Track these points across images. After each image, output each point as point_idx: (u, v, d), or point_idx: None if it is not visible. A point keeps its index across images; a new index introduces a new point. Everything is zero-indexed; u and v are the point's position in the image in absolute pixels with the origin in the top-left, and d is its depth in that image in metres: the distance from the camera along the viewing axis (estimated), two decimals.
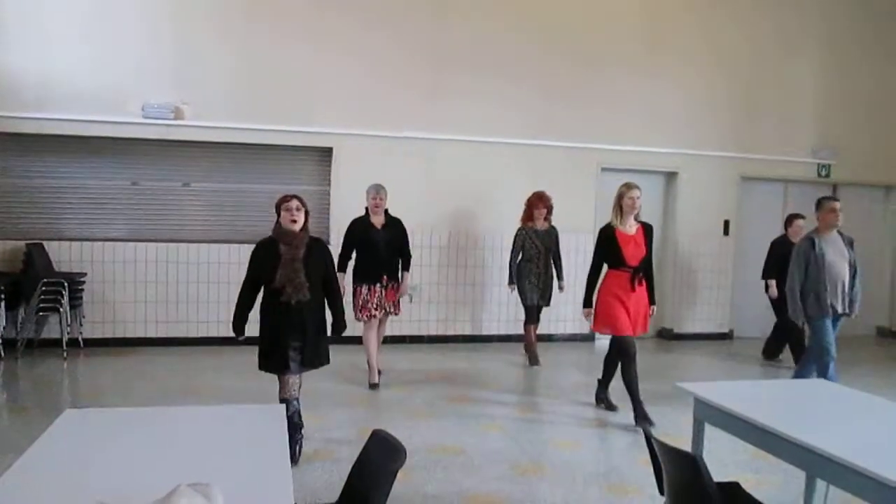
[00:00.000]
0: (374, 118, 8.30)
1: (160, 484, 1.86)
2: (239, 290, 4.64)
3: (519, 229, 7.52)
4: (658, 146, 9.19)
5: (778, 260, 7.53)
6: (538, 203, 7.45)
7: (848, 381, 5.72)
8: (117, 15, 7.84)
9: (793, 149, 9.74)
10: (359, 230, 6.42)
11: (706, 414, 3.38)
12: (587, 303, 5.61)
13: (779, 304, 7.75)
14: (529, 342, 7.73)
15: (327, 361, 4.67)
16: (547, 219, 7.54)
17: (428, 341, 8.69)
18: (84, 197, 8.02)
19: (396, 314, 6.56)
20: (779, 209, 9.78)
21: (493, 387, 6.80)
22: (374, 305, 6.39)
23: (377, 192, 6.44)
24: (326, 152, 8.33)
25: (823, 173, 9.90)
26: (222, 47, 8.01)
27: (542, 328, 8.89)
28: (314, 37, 8.17)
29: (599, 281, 5.67)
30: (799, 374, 6.20)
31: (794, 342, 7.62)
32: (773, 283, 7.88)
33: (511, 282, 7.51)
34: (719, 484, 2.47)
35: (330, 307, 4.65)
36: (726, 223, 9.51)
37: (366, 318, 6.43)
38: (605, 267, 5.73)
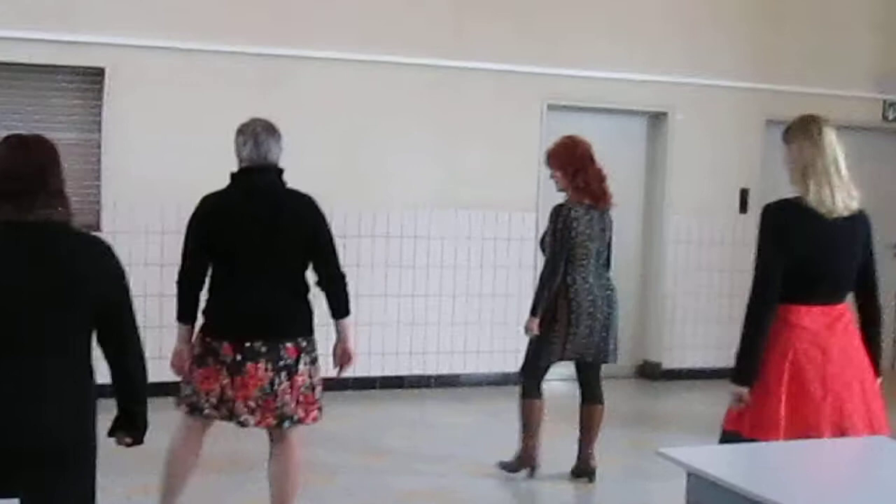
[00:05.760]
0: (176, 20, 6.49)
1: None
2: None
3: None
4: (637, 72, 7.50)
5: None
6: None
7: None
8: None
9: (846, 78, 8.07)
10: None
11: (706, 495, 2.68)
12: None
13: None
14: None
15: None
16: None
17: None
18: None
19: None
20: None
21: None
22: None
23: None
24: (95, 75, 6.37)
25: (892, 115, 8.45)
26: None
27: (447, 366, 7.32)
28: None
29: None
30: None
31: None
32: None
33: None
34: None
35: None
36: (744, 193, 8.13)
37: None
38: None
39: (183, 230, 4.11)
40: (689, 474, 2.70)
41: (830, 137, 3.55)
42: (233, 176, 3.76)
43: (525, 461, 5.06)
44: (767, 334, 3.50)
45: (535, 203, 7.22)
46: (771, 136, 7.65)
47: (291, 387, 3.72)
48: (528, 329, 4.96)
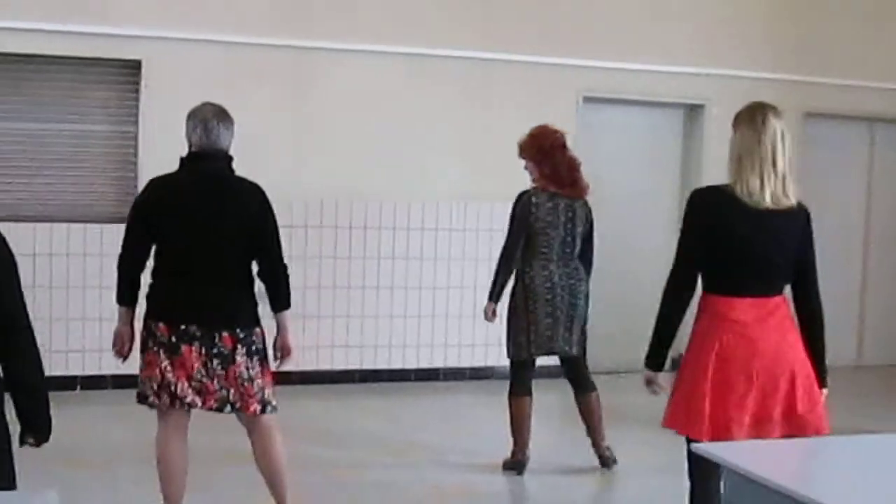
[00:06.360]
0: (213, 13, 6.47)
1: None
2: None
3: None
4: (673, 64, 7.39)
5: None
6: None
7: None
8: None
9: (885, 70, 7.88)
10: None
11: (743, 492, 2.55)
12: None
13: None
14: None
15: None
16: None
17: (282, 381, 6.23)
18: None
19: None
20: (862, 164, 8.00)
21: None
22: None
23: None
24: (132, 68, 6.32)
25: None
26: None
27: (481, 358, 7.15)
28: None
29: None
30: None
31: None
32: None
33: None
34: None
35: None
36: None
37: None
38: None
39: None
40: (724, 469, 2.60)
41: (775, 128, 3.32)
42: (181, 161, 3.63)
43: (512, 460, 4.89)
44: (681, 318, 3.35)
45: None
46: (809, 128, 7.68)
47: (227, 376, 3.55)
48: (485, 313, 4.88)
